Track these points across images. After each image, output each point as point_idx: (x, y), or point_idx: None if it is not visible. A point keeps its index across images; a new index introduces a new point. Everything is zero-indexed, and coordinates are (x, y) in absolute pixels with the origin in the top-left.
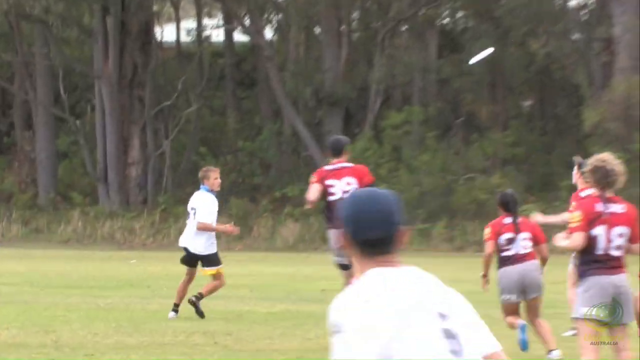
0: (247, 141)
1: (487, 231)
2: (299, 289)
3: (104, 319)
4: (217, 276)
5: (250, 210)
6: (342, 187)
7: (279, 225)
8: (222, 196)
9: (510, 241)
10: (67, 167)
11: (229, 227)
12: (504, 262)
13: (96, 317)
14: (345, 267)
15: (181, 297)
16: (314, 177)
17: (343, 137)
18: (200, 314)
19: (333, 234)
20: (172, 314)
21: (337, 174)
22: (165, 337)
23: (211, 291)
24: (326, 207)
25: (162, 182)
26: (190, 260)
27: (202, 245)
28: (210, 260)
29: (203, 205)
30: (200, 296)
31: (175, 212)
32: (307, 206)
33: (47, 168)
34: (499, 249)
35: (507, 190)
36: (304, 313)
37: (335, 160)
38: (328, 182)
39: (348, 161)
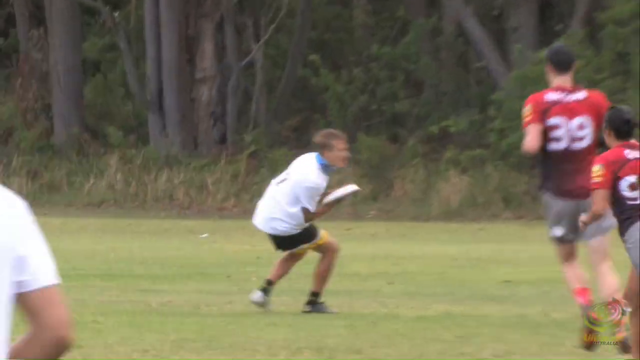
0: (385, 45)
1: (599, 170)
2: (466, 280)
3: (158, 329)
4: (323, 247)
5: (389, 154)
6: (573, 132)
7: (435, 180)
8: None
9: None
10: (99, 86)
11: (347, 189)
12: (630, 218)
13: (145, 324)
14: (566, 241)
15: (280, 274)
16: (528, 110)
17: (566, 46)
18: (321, 309)
19: (552, 201)
20: (257, 295)
21: (566, 109)
22: (255, 357)
23: (324, 276)
24: (542, 161)
25: (250, 110)
26: (283, 243)
27: (284, 224)
28: (301, 238)
29: (309, 186)
30: (314, 299)
31: (271, 159)
32: (528, 150)
33: (67, 88)
34: (617, 199)
35: (622, 107)
36: (474, 318)
37: (558, 80)
38: (551, 120)
39: (575, 84)
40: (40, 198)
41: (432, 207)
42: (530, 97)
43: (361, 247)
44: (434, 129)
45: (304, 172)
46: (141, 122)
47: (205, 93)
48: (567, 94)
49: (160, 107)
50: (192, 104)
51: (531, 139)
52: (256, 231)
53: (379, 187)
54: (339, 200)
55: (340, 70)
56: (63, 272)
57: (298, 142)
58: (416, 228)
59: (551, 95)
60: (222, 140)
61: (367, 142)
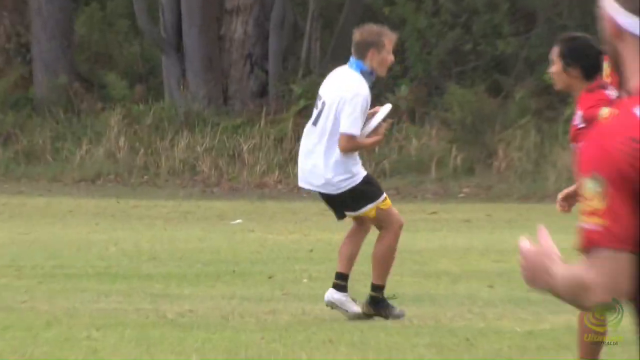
0: None
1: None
2: None
3: (175, 347)
4: (384, 217)
5: (489, 111)
6: None
7: (551, 146)
8: (431, 80)
9: None
10: (95, 19)
11: (383, 110)
12: None
13: (157, 341)
14: None
15: (349, 260)
16: None
17: None
18: (387, 311)
19: None
20: (335, 294)
21: None
22: None
23: (385, 260)
24: None
25: (299, 51)
26: (342, 204)
27: (335, 175)
28: (363, 194)
29: (355, 101)
30: (376, 295)
31: None
32: None
33: (51, 22)
34: None
35: (581, 34)
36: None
37: None
38: None
39: None
40: (15, 170)
41: (548, 183)
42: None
43: (450, 237)
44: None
45: (345, 85)
46: (152, 69)
47: (238, 28)
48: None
49: (178, 48)
50: (221, 44)
51: None
52: (309, 215)
53: (476, 156)
54: (378, 129)
55: None
56: (46, 271)
57: None
58: (526, 211)
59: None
60: (262, 92)
61: (458, 95)
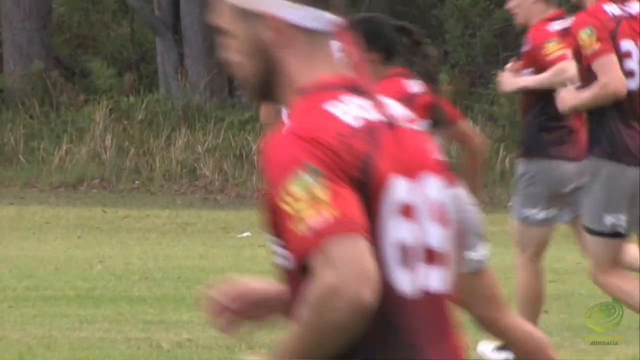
0: None
1: None
2: None
3: None
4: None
5: None
6: None
7: None
8: (474, 67)
9: None
10: None
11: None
12: None
13: None
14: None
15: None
16: (591, 36)
17: None
18: None
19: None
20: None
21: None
22: None
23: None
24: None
25: None
26: None
27: None
28: None
29: None
30: None
31: None
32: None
33: None
34: None
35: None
36: None
37: None
38: (623, 45)
39: None
40: None
41: None
42: (583, 13)
43: (497, 253)
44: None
45: None
46: (144, 54)
47: None
48: (624, 5)
49: (175, 29)
50: None
51: (618, 75)
52: None
53: None
54: None
55: None
56: (18, 293)
57: None
58: None
59: (612, 7)
60: None
61: None
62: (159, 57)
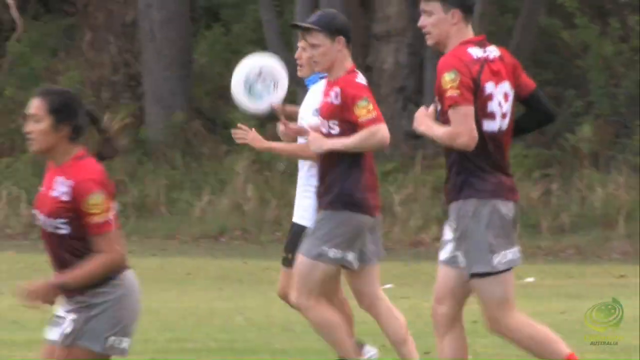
0: None
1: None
2: None
3: None
4: None
5: None
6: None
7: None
8: (617, 118)
9: None
10: (217, 44)
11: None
12: None
13: None
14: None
15: None
16: (454, 81)
17: None
18: None
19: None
20: None
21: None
22: None
23: None
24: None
25: None
26: None
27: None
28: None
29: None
30: None
31: None
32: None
33: (166, 45)
34: None
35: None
36: None
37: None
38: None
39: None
40: (124, 225)
41: None
42: (449, 55)
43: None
44: None
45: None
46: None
47: (389, 57)
48: (493, 53)
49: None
50: (368, 75)
51: (470, 128)
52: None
53: None
54: None
55: (609, 18)
56: (159, 346)
57: (536, 134)
58: None
59: (472, 49)
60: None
61: None
62: (148, 57)
